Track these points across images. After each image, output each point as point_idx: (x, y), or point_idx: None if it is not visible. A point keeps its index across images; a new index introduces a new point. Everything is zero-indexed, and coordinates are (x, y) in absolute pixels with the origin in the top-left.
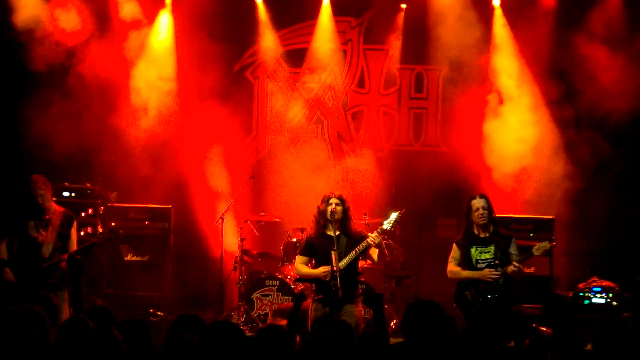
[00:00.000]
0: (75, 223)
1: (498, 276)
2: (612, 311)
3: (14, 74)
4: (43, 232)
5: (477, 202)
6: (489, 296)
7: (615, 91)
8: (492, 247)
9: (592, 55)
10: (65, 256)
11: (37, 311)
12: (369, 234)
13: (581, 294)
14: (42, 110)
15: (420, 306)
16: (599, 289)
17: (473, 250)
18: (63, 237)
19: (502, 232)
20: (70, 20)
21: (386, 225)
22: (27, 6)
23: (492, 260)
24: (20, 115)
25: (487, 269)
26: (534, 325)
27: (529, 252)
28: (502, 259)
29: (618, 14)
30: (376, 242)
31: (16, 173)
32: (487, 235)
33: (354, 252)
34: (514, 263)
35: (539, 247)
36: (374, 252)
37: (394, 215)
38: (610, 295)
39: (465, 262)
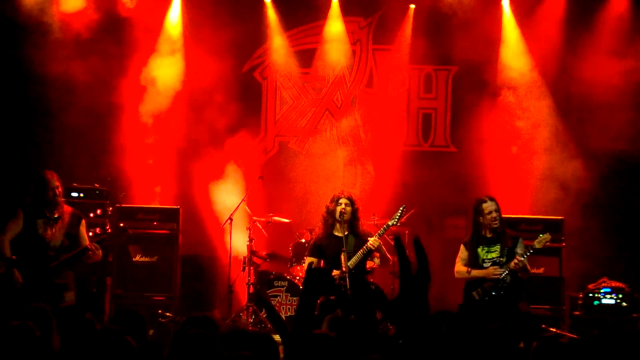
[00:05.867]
0: (84, 221)
1: (501, 273)
2: (622, 312)
3: (16, 70)
4: (53, 230)
5: (489, 206)
6: (494, 293)
7: (626, 92)
8: (499, 247)
9: (602, 57)
10: (81, 248)
11: (45, 310)
12: (369, 238)
13: (591, 294)
14: (48, 112)
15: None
16: (608, 290)
17: (480, 250)
18: (71, 236)
19: (509, 232)
20: (75, 12)
21: (392, 221)
22: None
23: (498, 258)
24: (27, 115)
25: (491, 267)
26: (543, 326)
27: (530, 246)
28: (509, 258)
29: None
30: (375, 245)
31: (23, 175)
32: (494, 235)
33: (360, 252)
34: (517, 257)
35: (540, 240)
36: (376, 256)
37: (399, 211)
38: (620, 296)
39: (472, 262)
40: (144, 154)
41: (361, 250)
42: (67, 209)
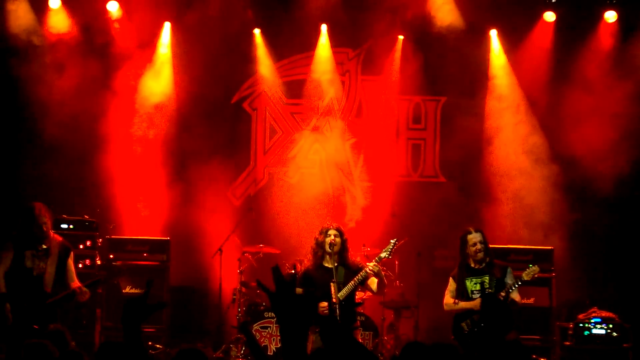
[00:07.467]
0: (72, 254)
1: None
2: (613, 342)
3: (4, 95)
4: (41, 264)
5: (474, 237)
6: (483, 325)
7: (615, 122)
8: (487, 278)
9: (589, 87)
10: (70, 291)
11: (46, 345)
12: (367, 263)
13: (581, 324)
14: (38, 141)
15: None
16: (598, 320)
17: (468, 282)
18: (62, 269)
19: (497, 262)
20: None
21: (384, 254)
22: (20, 17)
23: (487, 289)
24: (17, 143)
25: (479, 298)
26: (534, 356)
27: (518, 278)
28: (498, 288)
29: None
30: (375, 271)
31: (12, 206)
32: (482, 266)
33: (352, 282)
34: (503, 292)
35: (528, 272)
36: (373, 282)
37: (391, 243)
38: (611, 326)
39: (461, 294)
40: (133, 184)
41: (356, 277)
42: (57, 239)
